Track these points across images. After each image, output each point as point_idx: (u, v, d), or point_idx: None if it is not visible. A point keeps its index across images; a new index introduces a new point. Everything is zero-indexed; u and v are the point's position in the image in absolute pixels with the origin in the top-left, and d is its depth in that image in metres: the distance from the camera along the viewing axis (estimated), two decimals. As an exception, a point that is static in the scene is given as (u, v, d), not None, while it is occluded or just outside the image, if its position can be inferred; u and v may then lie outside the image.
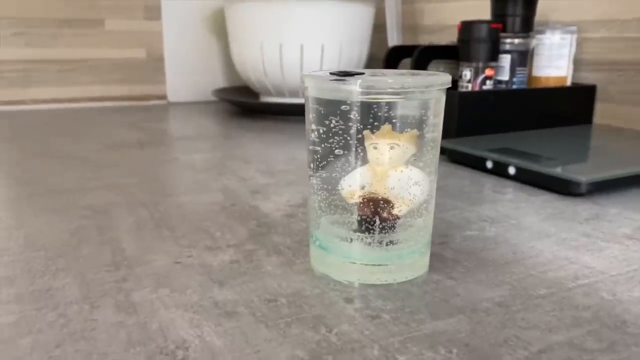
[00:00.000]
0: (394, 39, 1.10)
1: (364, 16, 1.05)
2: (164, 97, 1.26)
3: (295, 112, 1.02)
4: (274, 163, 0.69)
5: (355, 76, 0.33)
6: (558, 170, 0.55)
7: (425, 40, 1.14)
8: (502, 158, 0.61)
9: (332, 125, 0.34)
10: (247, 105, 1.11)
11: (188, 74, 1.27)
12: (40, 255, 0.40)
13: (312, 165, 0.36)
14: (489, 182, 0.60)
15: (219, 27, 1.24)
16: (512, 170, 0.59)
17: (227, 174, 0.64)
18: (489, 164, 0.62)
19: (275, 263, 0.39)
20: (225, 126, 0.98)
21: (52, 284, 0.35)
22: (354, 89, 0.32)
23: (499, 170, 0.61)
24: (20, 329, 0.30)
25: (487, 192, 0.56)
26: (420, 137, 0.34)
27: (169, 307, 0.32)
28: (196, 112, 1.14)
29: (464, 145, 0.67)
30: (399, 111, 0.33)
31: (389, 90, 0.32)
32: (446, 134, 0.71)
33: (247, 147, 0.80)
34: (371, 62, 1.12)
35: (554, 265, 0.39)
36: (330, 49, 1.01)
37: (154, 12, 1.21)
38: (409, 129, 0.33)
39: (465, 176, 0.63)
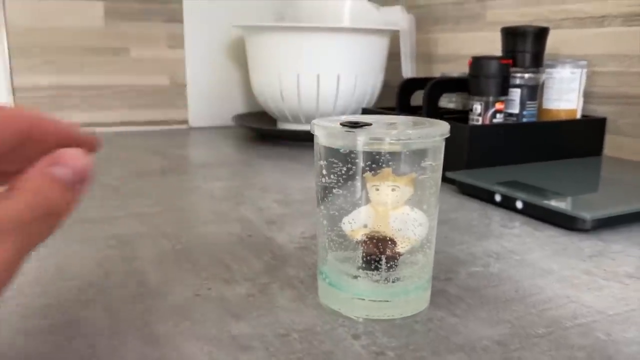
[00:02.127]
0: (407, 70, 1.13)
1: (378, 47, 1.08)
2: (185, 122, 1.30)
3: (310, 139, 1.04)
4: (290, 193, 0.72)
5: (364, 127, 0.36)
6: (563, 206, 0.57)
7: (439, 69, 1.17)
8: (510, 192, 0.62)
9: (337, 168, 0.36)
10: (265, 132, 1.14)
11: (209, 100, 1.31)
12: (71, 285, 0.43)
13: (319, 203, 0.39)
14: (497, 216, 0.62)
15: (240, 56, 1.28)
16: (519, 205, 0.61)
17: (245, 204, 0.66)
18: (498, 198, 0.64)
19: (289, 297, 0.41)
20: (244, 152, 1.01)
21: (82, 314, 0.38)
22: (360, 140, 0.35)
23: (507, 204, 0.63)
24: (53, 357, 0.33)
25: (495, 226, 0.58)
26: (421, 180, 0.37)
27: (189, 339, 0.35)
28: (216, 137, 1.17)
29: (473, 178, 0.69)
30: (401, 157, 0.36)
31: (392, 141, 0.35)
32: (457, 166, 0.73)
33: (265, 176, 0.83)
34: (386, 90, 1.15)
35: (553, 304, 0.40)
36: (346, 78, 1.04)
37: (177, 41, 1.26)
38: (407, 173, 0.36)
39: (474, 209, 0.65)
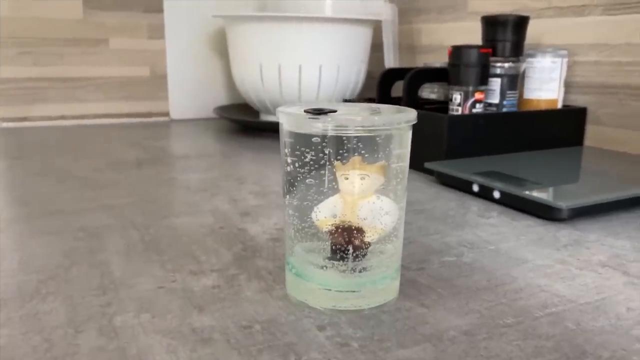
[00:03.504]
0: (390, 61, 1.12)
1: (361, 37, 1.07)
2: (166, 114, 1.28)
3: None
4: (267, 184, 0.71)
5: (329, 114, 0.35)
6: (540, 196, 0.57)
7: (422, 60, 1.16)
8: (487, 182, 0.62)
9: (304, 157, 0.35)
10: (247, 123, 1.13)
11: (190, 91, 1.30)
12: (32, 279, 0.41)
13: (286, 194, 0.38)
14: (475, 206, 0.61)
15: (221, 46, 1.27)
16: (496, 195, 0.60)
17: (220, 195, 0.65)
18: (475, 188, 0.63)
19: (256, 289, 0.40)
20: (225, 144, 1.00)
21: (40, 307, 0.37)
22: (325, 127, 0.34)
23: (485, 194, 0.62)
24: (6, 353, 0.31)
25: (471, 216, 0.58)
26: (388, 168, 0.36)
27: (148, 332, 0.34)
28: (197, 130, 1.16)
29: (451, 168, 0.68)
30: (368, 144, 0.35)
31: (358, 128, 0.34)
32: (435, 156, 0.73)
33: (244, 167, 0.81)
34: (369, 81, 1.14)
35: (525, 293, 0.40)
36: (328, 69, 1.03)
37: (157, 32, 1.24)
38: (377, 161, 0.35)
39: (452, 199, 0.64)
